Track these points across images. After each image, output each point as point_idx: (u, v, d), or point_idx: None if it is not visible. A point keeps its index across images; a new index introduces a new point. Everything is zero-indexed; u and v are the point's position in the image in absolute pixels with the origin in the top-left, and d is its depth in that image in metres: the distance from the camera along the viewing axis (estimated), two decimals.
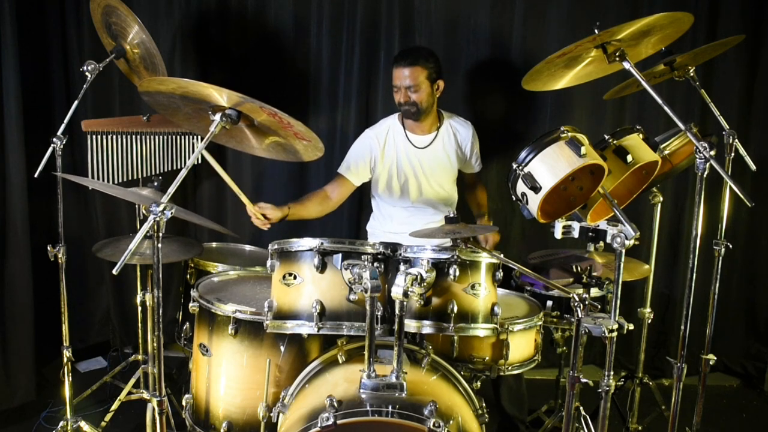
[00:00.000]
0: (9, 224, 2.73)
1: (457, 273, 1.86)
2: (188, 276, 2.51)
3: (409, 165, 2.71)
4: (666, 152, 2.11)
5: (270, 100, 1.63)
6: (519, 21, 3.08)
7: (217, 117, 1.68)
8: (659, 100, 1.68)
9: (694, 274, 1.81)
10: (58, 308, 2.40)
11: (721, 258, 2.19)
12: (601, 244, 1.81)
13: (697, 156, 1.69)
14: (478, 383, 2.09)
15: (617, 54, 1.74)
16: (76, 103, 2.25)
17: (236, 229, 3.20)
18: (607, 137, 1.81)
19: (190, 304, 2.07)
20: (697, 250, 1.81)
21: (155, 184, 2.29)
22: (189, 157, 2.76)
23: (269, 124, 1.77)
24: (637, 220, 1.89)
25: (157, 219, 1.51)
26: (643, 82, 1.70)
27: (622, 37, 1.73)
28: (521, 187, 1.72)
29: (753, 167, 2.26)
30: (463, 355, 2.09)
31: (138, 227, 2.71)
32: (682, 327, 1.87)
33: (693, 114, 3.09)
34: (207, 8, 3.10)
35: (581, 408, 2.03)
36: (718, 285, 2.21)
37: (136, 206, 2.70)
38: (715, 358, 2.29)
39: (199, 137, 2.73)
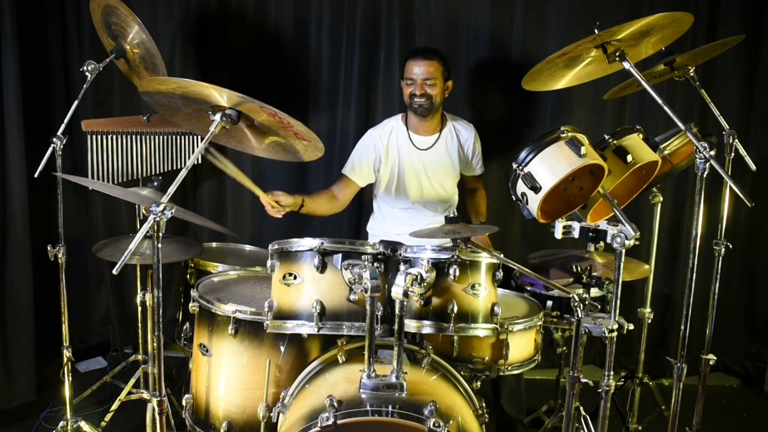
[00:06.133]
0: (9, 224, 2.73)
1: (457, 273, 1.86)
2: (188, 276, 2.51)
3: (411, 166, 2.71)
4: (666, 152, 2.11)
5: (270, 100, 1.63)
6: (519, 21, 3.08)
7: (217, 117, 1.68)
8: (659, 100, 1.68)
9: (694, 274, 1.81)
10: (58, 308, 2.40)
11: (721, 258, 2.19)
12: (601, 244, 1.81)
13: (697, 156, 1.69)
14: (478, 383, 2.09)
15: (617, 54, 1.75)
16: (76, 103, 2.25)
17: (236, 229, 3.20)
18: (607, 137, 1.81)
19: (190, 304, 2.07)
20: (697, 250, 1.81)
21: (155, 184, 2.28)
22: (189, 157, 2.76)
23: (269, 124, 1.77)
24: (637, 220, 1.89)
25: (157, 219, 1.51)
26: (643, 82, 1.70)
27: (622, 37, 1.73)
28: (521, 187, 1.72)
29: (753, 167, 2.26)
30: (463, 355, 2.09)
31: (138, 227, 2.71)
32: (682, 327, 1.88)
33: (693, 114, 3.09)
34: (207, 8, 3.10)
35: (581, 408, 2.03)
36: (718, 285, 2.21)
37: (136, 206, 2.70)
38: (715, 358, 2.29)
39: (199, 137, 2.73)
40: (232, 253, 2.83)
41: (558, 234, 1.83)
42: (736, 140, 2.12)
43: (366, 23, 3.09)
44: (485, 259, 1.91)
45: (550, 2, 3.06)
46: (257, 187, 2.39)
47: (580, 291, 1.74)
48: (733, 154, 2.13)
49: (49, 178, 2.29)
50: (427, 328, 1.87)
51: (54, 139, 2.23)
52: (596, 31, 1.68)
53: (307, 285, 1.83)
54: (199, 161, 2.99)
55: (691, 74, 2.20)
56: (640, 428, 2.67)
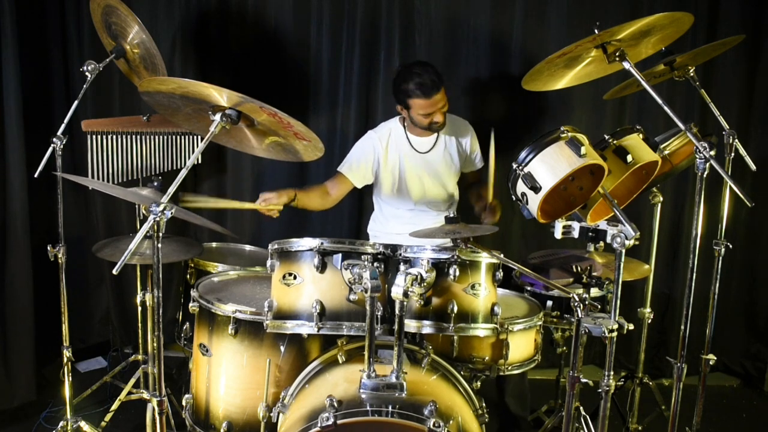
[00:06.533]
0: (9, 224, 2.73)
1: (457, 273, 1.86)
2: (188, 276, 2.51)
3: (412, 168, 2.71)
4: (666, 152, 2.11)
5: (270, 100, 1.63)
6: (519, 21, 3.08)
7: (217, 117, 1.68)
8: (659, 100, 1.68)
9: (694, 274, 1.81)
10: (58, 308, 2.40)
11: (721, 258, 2.19)
12: (601, 244, 1.81)
13: (697, 156, 1.69)
14: (478, 383, 2.09)
15: (617, 54, 1.75)
16: (76, 103, 2.25)
17: (236, 229, 3.20)
18: (607, 137, 1.81)
19: (190, 304, 2.07)
20: (697, 250, 1.81)
21: (155, 184, 2.28)
22: (189, 157, 2.76)
23: (269, 124, 1.77)
24: (637, 220, 1.89)
25: (157, 219, 1.51)
26: (643, 82, 1.70)
27: (622, 37, 1.73)
28: (521, 187, 1.72)
29: (753, 167, 2.25)
30: (463, 355, 2.09)
31: (138, 227, 2.72)
32: (682, 327, 1.88)
33: (693, 114, 3.09)
34: (207, 8, 3.10)
35: (581, 408, 2.03)
36: (718, 285, 2.21)
37: (136, 206, 2.71)
38: (715, 358, 2.29)
39: (199, 137, 2.73)
40: (232, 253, 2.83)
41: (558, 234, 1.84)
42: (736, 140, 2.11)
43: (366, 23, 3.09)
44: (485, 259, 1.91)
45: (550, 2, 3.06)
46: (244, 203, 2.40)
47: (580, 291, 1.74)
48: (733, 154, 2.12)
49: (49, 178, 2.29)
50: (427, 328, 1.87)
51: (54, 139, 2.23)
52: (596, 31, 1.68)
53: (307, 285, 1.83)
54: (199, 161, 3.00)
55: (691, 74, 2.20)
56: (640, 428, 2.67)
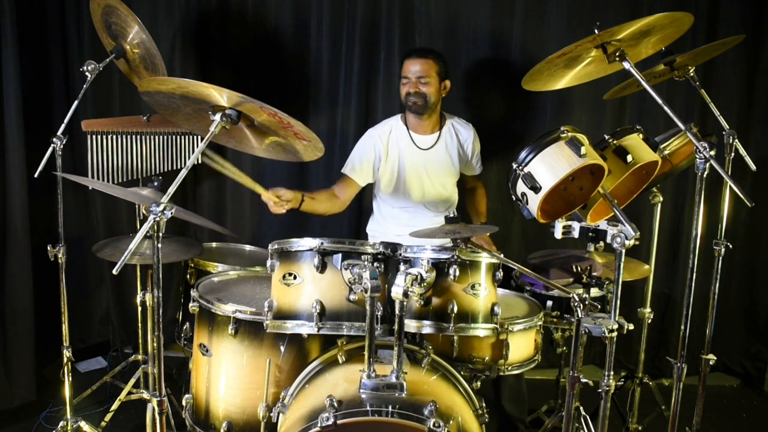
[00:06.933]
0: (9, 224, 2.73)
1: (457, 273, 1.86)
2: (188, 276, 2.51)
3: (412, 166, 2.71)
4: (666, 152, 2.11)
5: (270, 100, 1.63)
6: (519, 21, 3.08)
7: (217, 117, 1.68)
8: (659, 100, 1.68)
9: (694, 274, 1.81)
10: (58, 308, 2.40)
11: (721, 258, 2.19)
12: (601, 244, 1.81)
13: (697, 156, 1.69)
14: (478, 383, 2.09)
15: (617, 54, 1.75)
16: (76, 103, 2.25)
17: (236, 229, 3.20)
18: (607, 137, 1.82)
19: (190, 304, 2.07)
20: (697, 250, 1.81)
21: (155, 184, 2.28)
22: (189, 157, 2.76)
23: (269, 124, 1.77)
24: (637, 220, 1.89)
25: (157, 219, 1.51)
26: (643, 82, 1.70)
27: (622, 37, 1.73)
28: (521, 187, 1.72)
29: (753, 167, 2.26)
30: (463, 355, 2.09)
31: (138, 227, 2.72)
32: (682, 327, 1.88)
33: (693, 114, 3.09)
34: (207, 8, 3.10)
35: (581, 408, 2.03)
36: (718, 285, 2.21)
37: (136, 206, 2.71)
38: (715, 358, 2.29)
39: (199, 137, 2.74)
40: (232, 253, 2.83)
41: (558, 234, 1.83)
42: (736, 140, 2.12)
43: (366, 23, 3.09)
44: (485, 259, 1.91)
45: (550, 2, 3.06)
46: (257, 184, 2.39)
47: (580, 291, 1.74)
48: (733, 154, 2.12)
49: (49, 178, 2.29)
50: (427, 328, 1.87)
51: (54, 139, 2.23)
52: (596, 31, 1.68)
53: (307, 285, 1.83)
54: (199, 161, 2.99)
55: (691, 74, 2.20)
56: (640, 428, 2.67)
